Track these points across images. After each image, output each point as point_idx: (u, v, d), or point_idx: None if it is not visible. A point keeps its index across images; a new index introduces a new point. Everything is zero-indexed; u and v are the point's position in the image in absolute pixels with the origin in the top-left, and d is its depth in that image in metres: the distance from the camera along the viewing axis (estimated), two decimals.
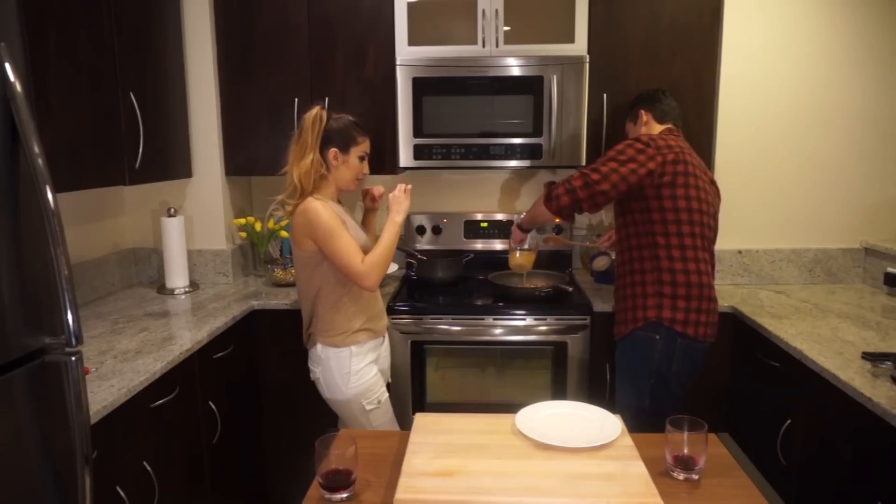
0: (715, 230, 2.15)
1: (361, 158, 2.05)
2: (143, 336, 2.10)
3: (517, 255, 2.61)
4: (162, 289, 2.70)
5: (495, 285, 2.67)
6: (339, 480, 1.28)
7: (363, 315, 2.05)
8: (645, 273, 2.08)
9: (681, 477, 1.33)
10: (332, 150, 1.99)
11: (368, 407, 2.04)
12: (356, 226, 2.09)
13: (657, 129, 2.20)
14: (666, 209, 2.03)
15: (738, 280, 2.85)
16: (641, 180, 2.01)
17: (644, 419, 2.02)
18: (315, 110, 1.98)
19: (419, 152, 2.63)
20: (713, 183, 2.20)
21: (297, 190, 1.96)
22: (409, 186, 2.07)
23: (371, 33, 2.65)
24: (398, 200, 2.04)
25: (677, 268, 2.04)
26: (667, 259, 2.04)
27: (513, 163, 2.63)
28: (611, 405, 2.16)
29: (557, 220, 2.70)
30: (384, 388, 2.11)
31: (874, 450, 1.60)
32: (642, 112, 2.24)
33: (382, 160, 2.69)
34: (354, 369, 2.02)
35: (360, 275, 1.92)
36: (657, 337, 2.06)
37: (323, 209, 1.91)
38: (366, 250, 1.96)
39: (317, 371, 2.07)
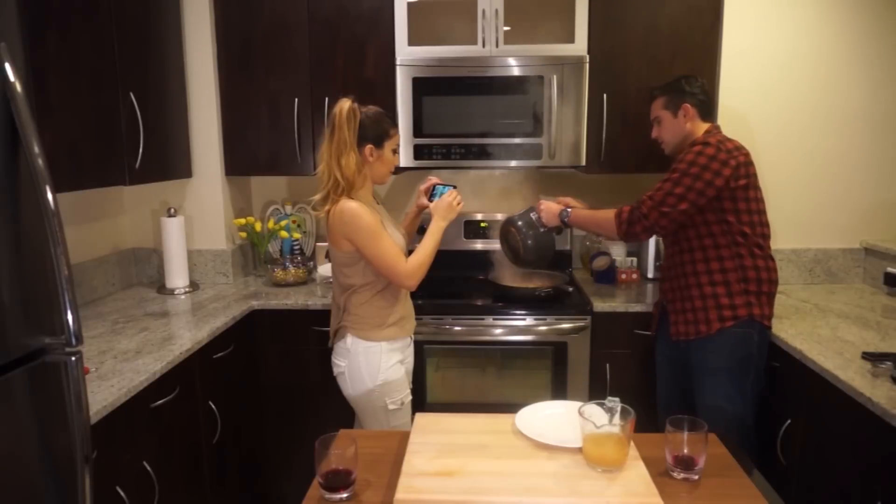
0: None
1: (394, 151, 1.99)
2: (143, 336, 2.10)
3: None
4: (162, 289, 2.70)
5: (495, 285, 2.67)
6: (339, 480, 1.27)
7: (399, 311, 2.02)
8: (727, 272, 2.05)
9: (681, 477, 1.33)
10: (369, 147, 1.91)
11: (392, 407, 1.99)
12: (393, 225, 2.03)
13: (701, 127, 2.12)
14: (741, 210, 2.01)
15: None
16: (719, 192, 1.98)
17: (737, 419, 2.02)
18: (347, 105, 1.87)
19: (419, 152, 2.63)
20: None
21: (341, 187, 1.88)
22: (461, 201, 2.04)
23: (371, 33, 2.65)
24: (450, 209, 2.01)
25: (760, 265, 2.05)
26: (749, 257, 2.04)
27: (513, 163, 2.63)
28: None
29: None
30: (409, 391, 2.07)
31: (874, 450, 1.60)
32: (688, 106, 2.11)
33: None
34: (384, 366, 1.97)
35: (404, 276, 1.89)
36: (752, 332, 2.05)
37: (361, 211, 1.86)
38: (402, 250, 1.94)
39: (342, 365, 2.00)
